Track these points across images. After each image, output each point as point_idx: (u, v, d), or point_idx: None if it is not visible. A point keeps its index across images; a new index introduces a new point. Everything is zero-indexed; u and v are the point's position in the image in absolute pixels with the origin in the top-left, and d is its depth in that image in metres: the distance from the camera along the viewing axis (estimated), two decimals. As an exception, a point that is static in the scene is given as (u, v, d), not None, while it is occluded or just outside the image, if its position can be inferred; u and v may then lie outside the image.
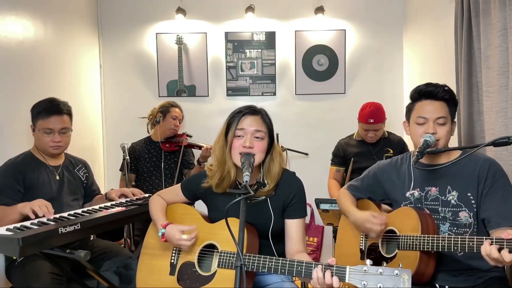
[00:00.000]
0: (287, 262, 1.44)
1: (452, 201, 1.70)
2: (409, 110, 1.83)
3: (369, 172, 1.99)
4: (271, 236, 1.68)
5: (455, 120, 1.80)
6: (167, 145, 3.17)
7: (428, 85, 1.77)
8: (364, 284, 1.24)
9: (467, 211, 1.67)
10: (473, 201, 1.67)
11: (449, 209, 1.70)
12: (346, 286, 1.43)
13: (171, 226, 1.69)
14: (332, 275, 1.31)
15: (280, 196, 1.70)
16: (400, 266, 1.25)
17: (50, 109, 2.14)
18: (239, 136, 1.65)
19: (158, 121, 3.16)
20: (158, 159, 3.16)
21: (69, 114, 2.23)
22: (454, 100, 1.77)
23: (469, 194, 1.67)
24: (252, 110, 1.69)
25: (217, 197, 1.75)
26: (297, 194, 1.71)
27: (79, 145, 3.27)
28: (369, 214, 1.76)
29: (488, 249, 1.37)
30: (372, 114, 2.95)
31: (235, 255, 1.58)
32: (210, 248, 1.69)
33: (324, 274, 1.32)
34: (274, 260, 1.47)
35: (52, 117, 2.13)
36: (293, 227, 1.70)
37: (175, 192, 1.89)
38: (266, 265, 1.48)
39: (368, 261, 1.26)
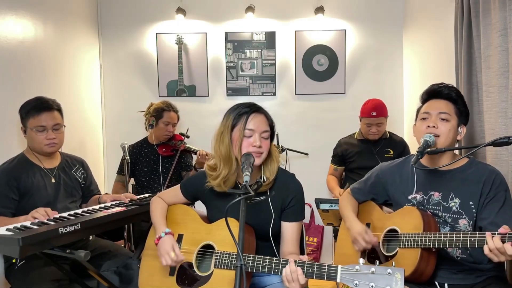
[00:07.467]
0: (280, 261, 1.44)
1: (454, 208, 1.70)
2: (417, 111, 1.86)
3: (372, 174, 1.99)
4: (272, 236, 1.68)
5: (464, 124, 1.78)
6: (163, 149, 3.12)
7: (433, 85, 1.82)
8: (356, 284, 1.21)
9: (467, 219, 1.67)
10: (474, 210, 1.67)
11: (450, 215, 1.70)
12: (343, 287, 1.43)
13: (170, 237, 1.68)
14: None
15: (279, 196, 1.70)
16: (393, 264, 1.22)
17: (40, 106, 2.10)
18: (248, 136, 1.63)
19: (151, 125, 3.08)
20: (155, 162, 3.11)
21: (59, 110, 2.18)
22: (462, 101, 1.77)
23: (471, 203, 1.67)
24: (257, 109, 1.68)
25: (216, 198, 1.74)
26: (296, 197, 1.70)
27: (79, 145, 3.27)
28: (364, 229, 1.78)
29: (493, 241, 1.38)
30: (375, 107, 2.98)
31: (230, 255, 1.59)
32: (208, 249, 1.69)
33: (290, 267, 1.37)
34: (267, 260, 1.47)
35: (43, 114, 2.08)
36: (288, 229, 1.70)
37: (174, 193, 1.88)
38: (260, 265, 1.48)
39: (361, 260, 1.24)
